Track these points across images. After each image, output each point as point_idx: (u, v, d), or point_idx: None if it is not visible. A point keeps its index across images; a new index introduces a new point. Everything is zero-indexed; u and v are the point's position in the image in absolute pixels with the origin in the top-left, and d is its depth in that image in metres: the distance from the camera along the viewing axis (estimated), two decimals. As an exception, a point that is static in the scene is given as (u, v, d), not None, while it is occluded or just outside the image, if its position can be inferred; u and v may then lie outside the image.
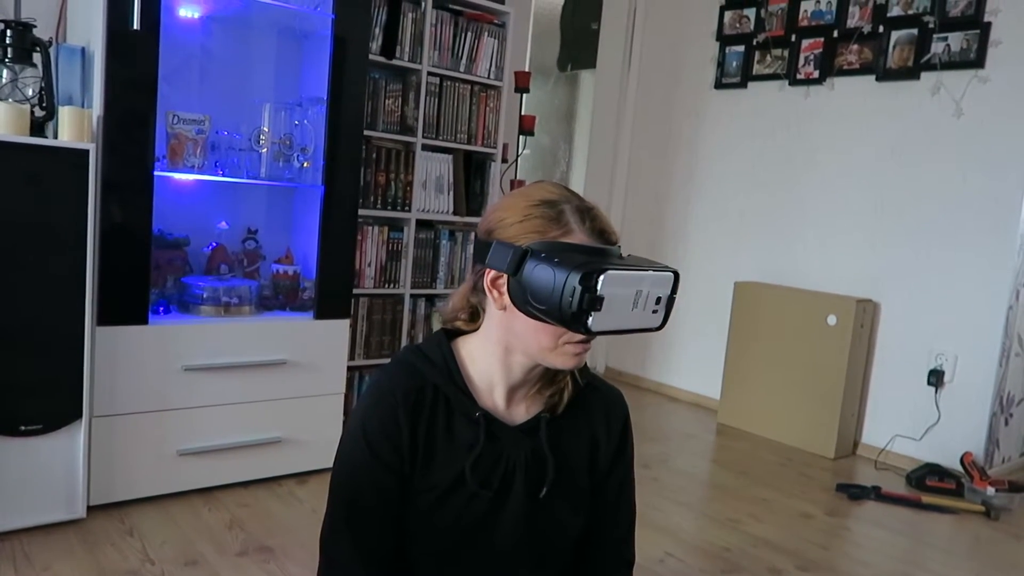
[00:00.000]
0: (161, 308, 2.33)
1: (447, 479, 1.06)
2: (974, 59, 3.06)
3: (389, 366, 1.11)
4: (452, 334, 1.14)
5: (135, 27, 2.06)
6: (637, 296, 0.95)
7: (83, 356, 2.02)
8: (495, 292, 1.02)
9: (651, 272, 0.97)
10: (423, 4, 3.00)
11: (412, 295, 3.15)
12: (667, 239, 4.20)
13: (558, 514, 1.11)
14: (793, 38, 3.61)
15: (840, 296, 3.36)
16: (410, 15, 2.97)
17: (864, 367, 3.38)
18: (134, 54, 2.08)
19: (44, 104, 2.12)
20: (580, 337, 0.99)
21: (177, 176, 2.38)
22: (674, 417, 3.82)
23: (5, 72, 2.08)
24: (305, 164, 2.55)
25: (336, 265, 2.56)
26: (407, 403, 1.05)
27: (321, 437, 2.55)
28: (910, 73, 3.23)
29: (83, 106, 2.17)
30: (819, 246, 3.56)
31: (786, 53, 3.64)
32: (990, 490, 2.82)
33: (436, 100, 3.11)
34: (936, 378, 3.16)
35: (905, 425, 3.27)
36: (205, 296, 2.37)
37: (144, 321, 2.19)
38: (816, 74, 3.54)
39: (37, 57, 2.11)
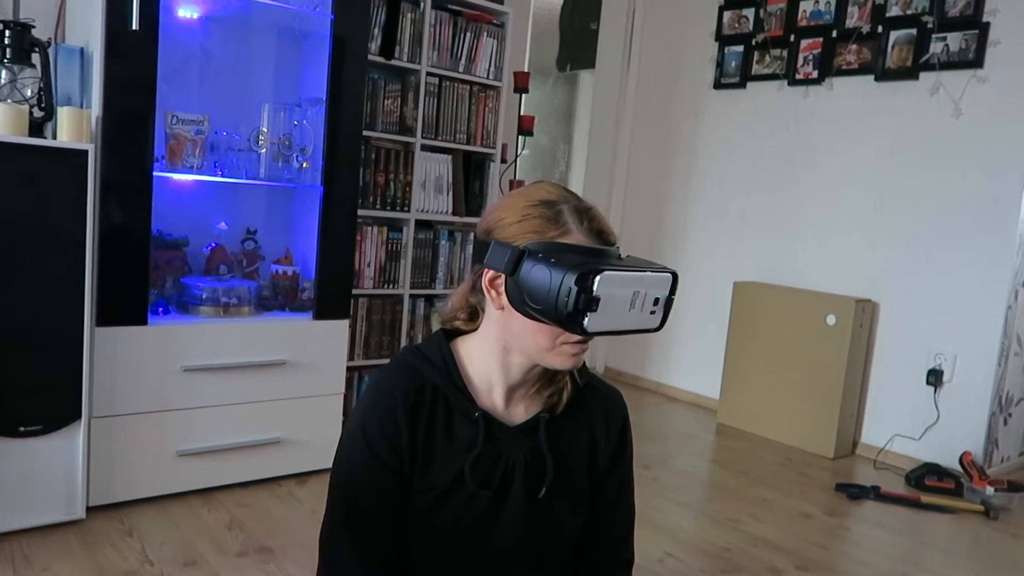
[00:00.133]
0: (160, 309, 2.33)
1: (446, 479, 1.06)
2: (973, 59, 3.06)
3: (388, 366, 1.11)
4: (451, 334, 1.14)
5: (134, 27, 2.06)
6: (634, 297, 0.95)
7: (82, 357, 2.02)
8: (493, 292, 1.02)
9: (648, 273, 0.97)
10: (422, 4, 3.00)
11: (411, 295, 3.15)
12: (666, 239, 4.20)
13: (557, 514, 1.11)
14: (792, 38, 3.62)
15: (839, 296, 3.36)
16: (409, 15, 2.97)
17: (863, 367, 3.38)
18: (133, 54, 2.08)
19: (43, 104, 2.11)
20: (577, 337, 0.99)
21: (176, 176, 2.38)
22: (673, 417, 3.82)
23: (4, 72, 2.08)
24: (304, 164, 2.55)
25: (335, 265, 2.55)
26: (406, 403, 1.05)
27: (320, 437, 2.55)
28: (909, 73, 3.24)
29: (82, 106, 2.17)
30: (818, 246, 3.56)
31: (785, 53, 3.65)
32: (989, 490, 2.82)
33: (435, 100, 3.11)
34: (935, 378, 3.17)
35: (904, 425, 3.27)
36: (204, 297, 2.37)
37: (143, 322, 2.19)
38: (815, 74, 3.54)
39: (36, 57, 2.11)
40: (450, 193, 3.22)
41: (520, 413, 1.11)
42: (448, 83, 3.14)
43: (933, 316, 3.20)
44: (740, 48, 3.83)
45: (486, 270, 1.02)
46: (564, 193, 1.03)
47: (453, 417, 1.07)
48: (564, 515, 1.13)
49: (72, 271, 1.98)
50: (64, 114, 1.98)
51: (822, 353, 3.32)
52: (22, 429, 1.97)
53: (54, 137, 2.06)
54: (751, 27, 3.78)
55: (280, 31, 2.69)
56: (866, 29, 3.36)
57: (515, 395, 1.11)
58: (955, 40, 3.11)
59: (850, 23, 3.42)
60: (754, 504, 2.72)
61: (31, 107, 2.07)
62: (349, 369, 2.80)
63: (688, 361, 4.09)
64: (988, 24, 3.02)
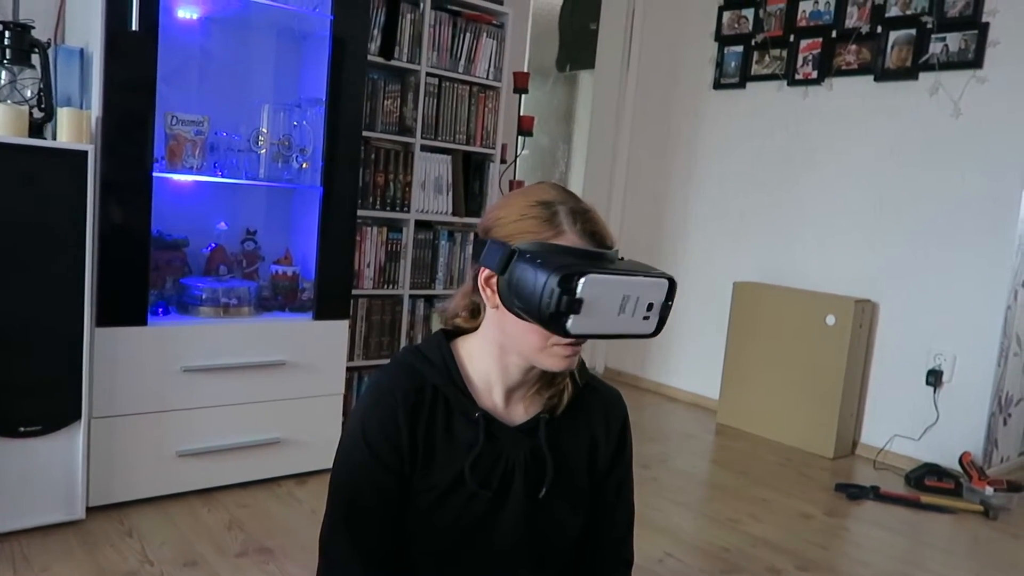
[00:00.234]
0: (160, 309, 2.33)
1: (446, 479, 1.06)
2: (972, 59, 3.06)
3: (388, 367, 1.12)
4: (452, 334, 1.14)
5: (134, 28, 2.06)
6: (624, 301, 0.94)
7: (82, 357, 2.02)
8: (488, 291, 1.03)
9: (640, 278, 0.95)
10: (422, 5, 3.00)
11: (411, 296, 3.15)
12: (666, 239, 4.20)
13: (557, 514, 1.12)
14: (791, 38, 3.62)
15: (839, 296, 3.36)
16: (409, 16, 2.98)
17: (863, 367, 3.38)
18: (133, 55, 2.08)
19: (43, 105, 2.11)
20: (568, 339, 0.99)
21: (176, 177, 2.38)
22: (673, 417, 3.82)
23: (4, 73, 2.08)
24: (304, 165, 2.55)
25: (335, 266, 2.56)
26: (407, 404, 1.05)
27: (320, 438, 2.55)
28: (908, 73, 3.24)
29: (82, 107, 2.17)
30: (818, 246, 3.56)
31: (784, 53, 3.65)
32: (989, 490, 2.83)
33: (435, 101, 3.11)
34: (935, 378, 3.17)
35: (904, 425, 3.28)
36: (204, 297, 2.37)
37: (143, 322, 2.19)
38: (814, 74, 3.54)
39: (36, 58, 2.11)
40: (450, 193, 3.22)
41: (520, 413, 1.11)
42: (448, 83, 3.14)
43: (933, 316, 3.20)
44: (740, 48, 3.83)
45: (482, 268, 1.02)
46: (564, 194, 1.03)
47: (453, 417, 1.08)
48: (564, 515, 1.13)
49: (72, 272, 1.98)
50: (64, 115, 1.98)
51: (822, 353, 3.32)
52: (22, 429, 1.97)
53: (54, 138, 2.06)
54: (751, 27, 3.78)
55: (280, 32, 2.69)
56: (865, 29, 3.36)
57: (514, 395, 1.11)
58: (954, 40, 3.11)
59: (849, 23, 3.42)
60: (754, 504, 2.72)
61: (31, 108, 2.07)
62: (349, 369, 2.80)
63: (688, 361, 4.10)
64: (987, 24, 3.02)
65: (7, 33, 2.06)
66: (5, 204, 1.87)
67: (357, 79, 2.52)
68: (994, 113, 3.02)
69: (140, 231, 2.15)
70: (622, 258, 1.02)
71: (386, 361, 1.15)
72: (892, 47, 3.29)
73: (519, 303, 0.96)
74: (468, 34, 3.17)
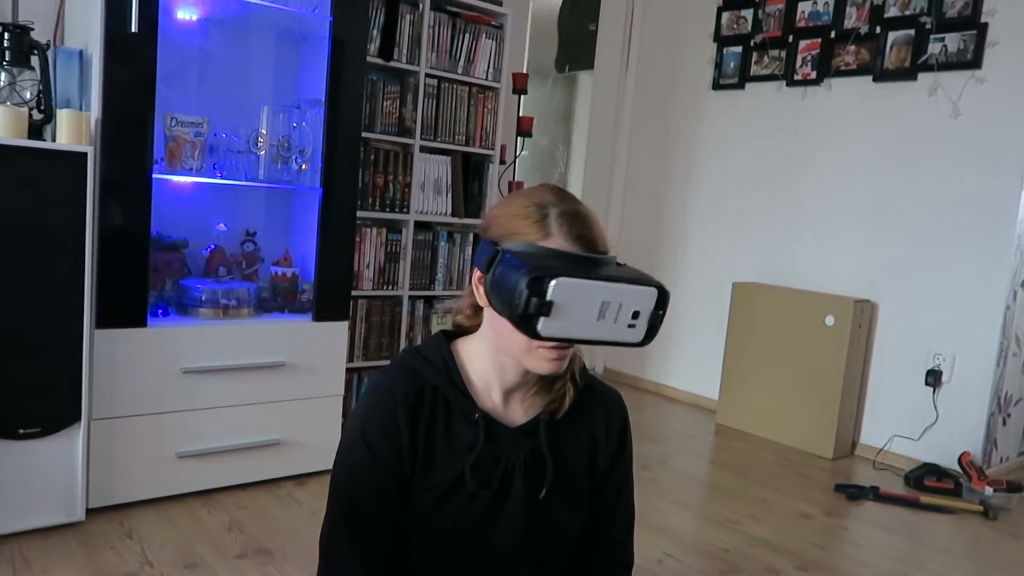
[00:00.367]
0: (160, 310, 2.33)
1: (447, 480, 1.06)
2: (971, 59, 3.06)
3: (388, 368, 1.12)
4: (452, 335, 1.14)
5: (133, 29, 2.06)
6: (604, 307, 0.92)
7: (82, 359, 2.02)
8: (479, 290, 1.03)
9: (621, 285, 0.93)
10: (421, 6, 3.00)
11: (411, 297, 3.15)
12: (665, 240, 4.20)
13: (557, 515, 1.12)
14: (790, 39, 3.62)
15: (838, 296, 3.37)
16: (408, 17, 2.98)
17: (862, 367, 3.38)
18: (132, 57, 2.08)
19: (42, 107, 2.12)
20: (552, 342, 0.98)
21: (175, 178, 2.38)
22: (673, 418, 3.82)
23: (3, 75, 2.08)
24: (303, 166, 2.55)
25: (335, 267, 2.56)
26: (407, 404, 1.05)
27: (320, 439, 2.55)
28: (907, 74, 3.24)
29: (81, 109, 2.18)
30: (817, 246, 3.56)
31: (783, 54, 3.65)
32: (988, 490, 2.83)
33: (434, 102, 3.12)
34: (934, 378, 3.17)
35: (903, 425, 3.28)
36: (204, 298, 2.37)
37: (143, 323, 2.19)
38: (813, 75, 3.54)
39: (35, 60, 2.11)
40: (449, 194, 3.22)
41: (519, 415, 1.11)
42: (447, 84, 3.14)
43: (932, 316, 3.20)
44: (739, 49, 3.83)
45: (476, 267, 1.03)
46: (561, 197, 1.02)
47: (453, 418, 1.08)
48: (564, 516, 1.13)
49: (72, 273, 1.98)
50: (63, 116, 1.98)
51: (821, 354, 3.32)
52: (21, 431, 1.97)
53: (53, 139, 2.06)
54: (749, 28, 3.79)
55: (279, 33, 2.69)
56: (864, 30, 3.37)
57: (513, 397, 1.11)
58: (953, 41, 3.11)
59: (848, 24, 3.42)
60: (753, 505, 2.72)
61: (30, 109, 2.07)
62: (348, 371, 2.80)
63: (687, 362, 4.10)
64: (986, 25, 3.03)
65: (6, 35, 2.07)
66: (5, 206, 1.87)
67: (356, 80, 2.52)
68: (993, 113, 3.03)
69: (140, 232, 2.15)
70: (622, 264, 1.01)
71: (386, 362, 1.15)
72: (891, 47, 3.29)
73: (499, 303, 0.96)
74: (467, 35, 3.17)
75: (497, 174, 3.36)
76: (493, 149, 3.33)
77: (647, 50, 4.29)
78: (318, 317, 2.53)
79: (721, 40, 3.91)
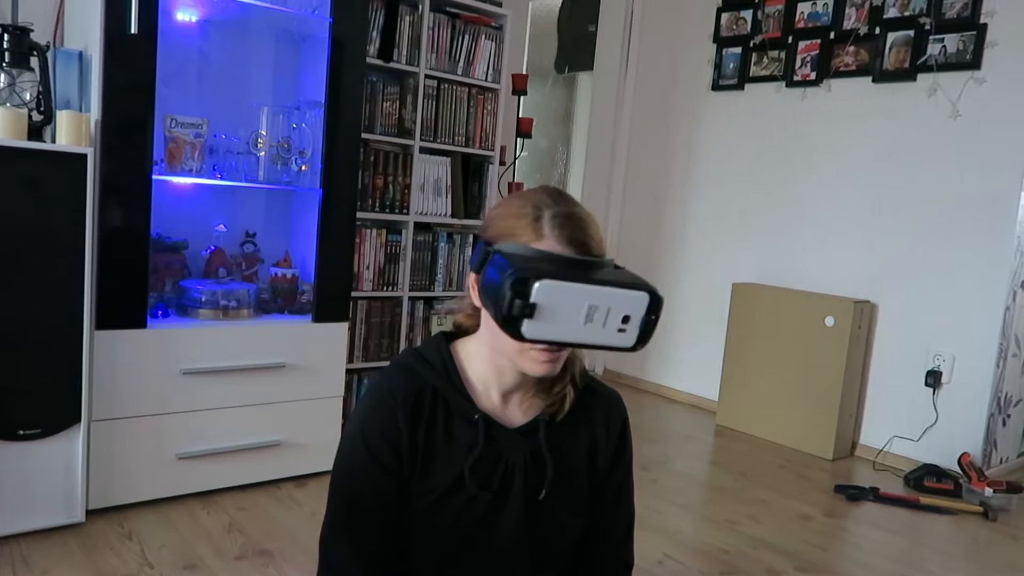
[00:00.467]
0: (159, 312, 2.33)
1: (446, 481, 1.06)
2: (970, 60, 3.06)
3: (388, 369, 1.12)
4: (452, 336, 1.14)
5: (133, 31, 2.06)
6: (591, 311, 0.91)
7: (82, 360, 2.02)
8: (474, 291, 1.03)
9: (608, 289, 0.91)
10: (420, 7, 3.00)
11: (410, 298, 3.15)
12: (665, 241, 4.21)
13: (557, 516, 1.12)
14: (790, 40, 3.62)
15: (838, 297, 3.37)
16: (408, 18, 2.98)
17: (862, 368, 3.38)
18: (132, 58, 2.08)
19: (42, 108, 2.12)
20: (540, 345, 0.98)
21: (175, 180, 2.38)
22: (673, 419, 3.82)
23: (2, 76, 2.08)
24: (303, 167, 2.56)
25: (334, 268, 2.56)
26: (406, 406, 1.05)
27: (320, 440, 2.55)
28: (907, 74, 3.24)
29: (81, 110, 2.18)
30: (817, 247, 3.56)
31: (783, 55, 3.65)
32: (988, 491, 2.83)
33: (434, 103, 3.12)
34: (934, 379, 3.17)
35: (903, 426, 3.28)
36: (203, 299, 2.37)
37: (143, 325, 2.19)
38: (813, 76, 3.54)
39: (35, 61, 2.11)
40: (449, 195, 3.23)
41: (518, 416, 1.11)
42: (447, 85, 3.14)
43: (932, 317, 3.20)
44: (738, 50, 3.83)
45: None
46: (557, 199, 1.01)
47: (453, 419, 1.08)
48: (564, 517, 1.13)
49: (72, 274, 1.98)
50: (63, 118, 1.98)
51: (821, 354, 3.32)
52: (21, 432, 1.97)
53: (53, 141, 2.06)
54: (749, 29, 3.79)
55: (279, 34, 2.70)
56: (864, 31, 3.37)
57: (511, 398, 1.11)
58: (952, 41, 3.11)
59: (848, 25, 3.43)
60: (753, 506, 2.72)
61: (30, 111, 2.07)
62: (348, 372, 2.80)
63: (687, 363, 4.10)
64: (985, 25, 3.03)
65: (6, 36, 2.07)
66: (4, 207, 1.87)
67: (356, 81, 2.52)
68: (992, 114, 3.03)
69: (139, 234, 2.15)
70: (620, 267, 1.00)
71: (386, 363, 1.15)
72: (890, 48, 3.29)
73: (488, 304, 0.96)
74: (467, 36, 3.17)
75: (497, 175, 3.36)
76: (493, 150, 3.33)
77: (646, 51, 4.30)
78: (318, 318, 2.53)
79: (720, 41, 3.91)
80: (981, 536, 2.63)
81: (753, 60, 3.78)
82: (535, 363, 1.01)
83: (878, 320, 3.36)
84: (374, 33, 2.89)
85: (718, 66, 3.92)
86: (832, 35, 3.48)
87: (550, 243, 0.97)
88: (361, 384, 3.02)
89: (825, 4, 3.49)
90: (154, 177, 2.17)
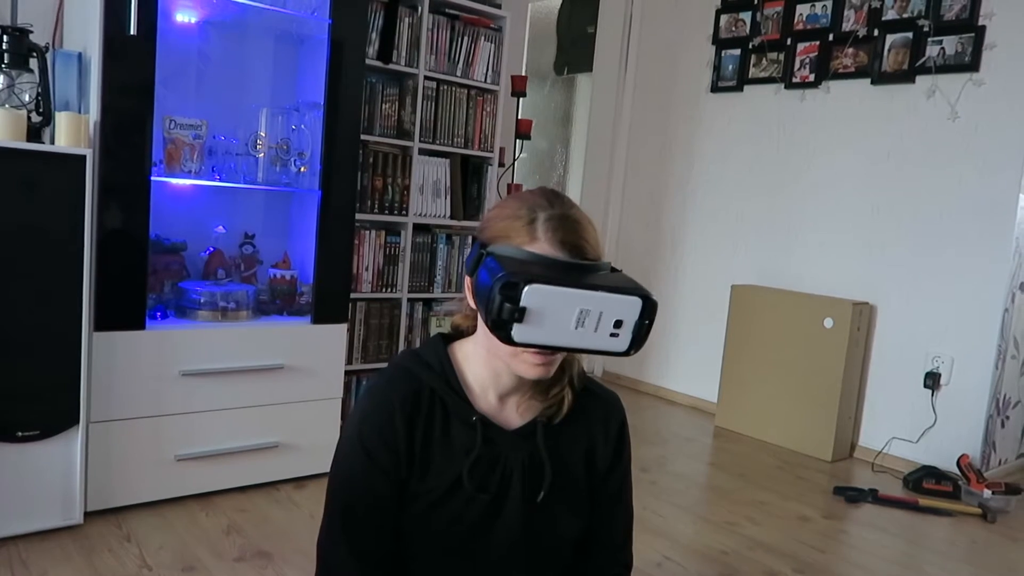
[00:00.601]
0: (158, 313, 2.33)
1: (444, 483, 1.06)
2: (969, 62, 3.07)
3: (386, 371, 1.12)
4: (450, 338, 1.14)
5: (132, 32, 2.06)
6: (583, 315, 0.90)
7: (80, 361, 2.02)
8: (470, 292, 1.03)
9: (600, 293, 0.90)
10: (420, 9, 3.01)
11: (409, 299, 3.15)
12: (664, 242, 4.21)
13: (555, 518, 1.12)
14: (789, 42, 3.63)
15: (837, 299, 3.37)
16: (407, 20, 2.98)
17: (861, 370, 3.38)
18: (131, 59, 2.08)
19: (41, 109, 2.12)
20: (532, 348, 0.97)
21: (174, 181, 2.38)
22: (672, 420, 3.82)
23: (1, 77, 2.08)
24: (302, 169, 2.56)
25: (333, 269, 2.56)
26: (404, 408, 1.05)
27: (319, 442, 2.55)
28: (905, 76, 3.25)
29: (80, 111, 2.18)
30: (816, 249, 3.56)
31: (782, 57, 3.66)
32: (987, 492, 2.83)
33: (433, 104, 3.12)
34: (932, 381, 3.17)
35: (902, 428, 3.28)
36: (202, 301, 2.37)
37: (141, 326, 2.19)
38: (812, 77, 3.55)
39: (34, 62, 2.11)
40: (448, 197, 3.23)
41: (516, 418, 1.11)
42: (446, 87, 3.15)
43: (930, 319, 3.20)
44: (737, 51, 3.84)
45: None
46: (554, 201, 1.01)
47: (451, 421, 1.08)
48: (562, 519, 1.13)
49: (70, 276, 1.98)
50: (62, 119, 1.98)
51: (820, 356, 3.32)
52: (20, 434, 1.96)
53: (52, 142, 2.06)
54: (748, 31, 3.79)
55: (278, 35, 2.70)
56: (862, 33, 3.37)
57: (509, 400, 1.11)
58: (951, 44, 3.12)
59: (846, 27, 3.43)
60: (752, 507, 2.72)
61: (29, 112, 2.07)
62: (347, 373, 2.80)
63: (686, 365, 4.10)
64: (984, 27, 3.03)
65: (5, 37, 2.07)
66: (3, 208, 1.87)
67: (355, 83, 2.52)
68: (991, 116, 3.03)
69: (138, 235, 2.15)
70: (617, 270, 0.99)
71: (385, 365, 1.15)
72: (889, 50, 3.30)
73: (479, 307, 0.95)
74: (466, 38, 3.17)
75: (496, 176, 3.36)
76: (492, 151, 3.33)
77: (646, 53, 4.30)
78: (317, 319, 2.53)
79: (719, 43, 3.92)
80: (980, 538, 2.63)
81: (752, 62, 3.78)
82: (528, 366, 1.01)
83: (877, 322, 3.36)
84: (373, 34, 2.89)
85: (717, 68, 3.93)
86: (831, 37, 3.48)
87: (544, 246, 0.96)
88: (360, 385, 3.02)
89: (824, 6, 3.50)
90: (153, 178, 2.17)
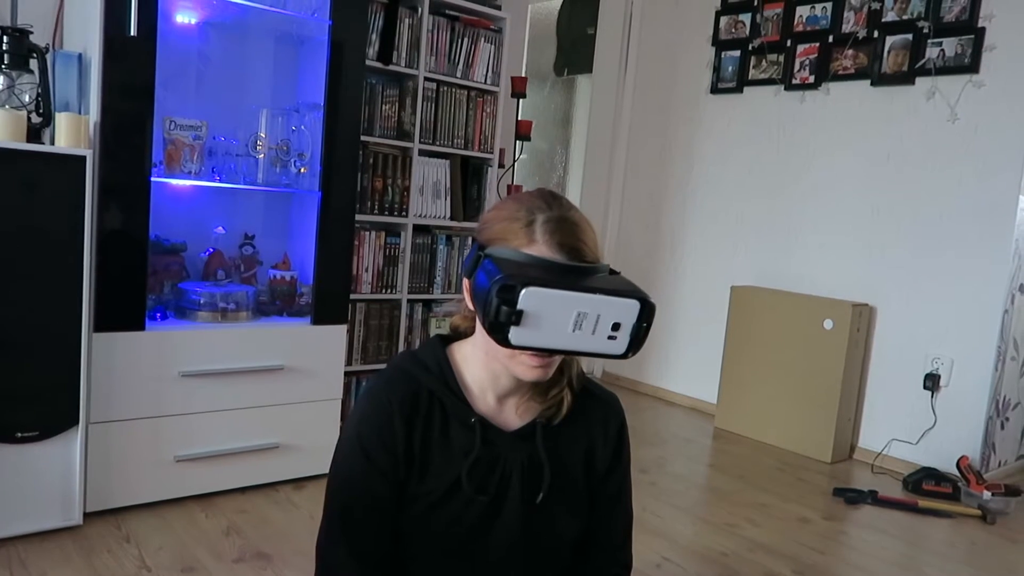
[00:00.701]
0: (158, 314, 2.33)
1: (443, 485, 1.06)
2: (968, 64, 3.07)
3: (385, 373, 1.12)
4: (449, 339, 1.14)
5: (132, 33, 2.06)
6: (580, 318, 0.90)
7: (80, 362, 2.02)
8: (468, 294, 1.03)
9: (597, 296, 0.90)
10: (420, 10, 3.01)
11: (409, 300, 3.15)
12: (664, 243, 4.21)
13: (555, 519, 1.12)
14: (788, 43, 3.63)
15: (836, 300, 3.37)
16: (407, 21, 2.98)
17: (860, 371, 3.38)
18: (131, 60, 2.08)
19: (41, 110, 2.12)
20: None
21: (174, 182, 2.38)
22: (671, 421, 3.82)
23: (2, 78, 2.08)
24: (302, 170, 2.56)
25: (333, 270, 2.56)
26: (403, 410, 1.05)
27: (318, 443, 2.54)
28: (905, 78, 3.25)
29: (80, 112, 2.18)
30: (815, 250, 3.57)
31: (781, 58, 3.66)
32: (986, 494, 2.83)
33: (433, 105, 3.12)
34: (932, 382, 3.17)
35: (901, 429, 3.28)
36: (202, 302, 2.37)
37: (141, 327, 2.19)
38: (811, 79, 3.55)
39: (34, 63, 2.11)
40: (448, 198, 3.23)
41: (515, 420, 1.11)
42: (446, 88, 3.15)
43: (930, 320, 3.20)
44: (737, 53, 3.84)
45: None
46: (552, 203, 1.00)
47: (450, 423, 1.08)
48: (561, 520, 1.13)
49: (70, 276, 1.98)
50: (62, 120, 1.98)
51: (819, 357, 3.33)
52: (19, 435, 1.96)
53: (52, 143, 2.06)
54: (748, 32, 3.80)
55: (278, 36, 2.70)
56: (862, 34, 3.37)
57: (507, 402, 1.11)
58: (951, 45, 3.12)
59: (846, 28, 3.43)
60: (752, 508, 2.72)
61: (29, 113, 2.07)
62: (347, 374, 2.80)
63: (686, 366, 4.10)
64: (983, 29, 3.03)
65: (5, 38, 2.07)
66: (3, 209, 1.87)
67: (355, 84, 2.52)
68: (990, 117, 3.03)
69: (138, 236, 2.15)
70: (616, 272, 0.99)
71: (384, 366, 1.15)
72: (889, 52, 3.30)
73: (477, 309, 0.95)
74: (466, 39, 3.18)
75: (496, 178, 3.36)
76: (492, 153, 3.33)
77: (645, 54, 4.30)
78: (317, 320, 2.53)
79: (719, 44, 3.92)
80: (979, 539, 2.63)
81: (752, 63, 3.78)
82: (526, 368, 1.01)
83: (877, 323, 3.36)
84: (373, 35, 2.89)
85: (717, 69, 3.93)
86: (831, 39, 3.48)
87: (541, 248, 0.96)
88: (359, 386, 3.02)
89: (824, 8, 3.50)
90: (153, 179, 2.17)
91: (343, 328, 2.61)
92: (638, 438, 3.36)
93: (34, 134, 2.09)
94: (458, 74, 3.18)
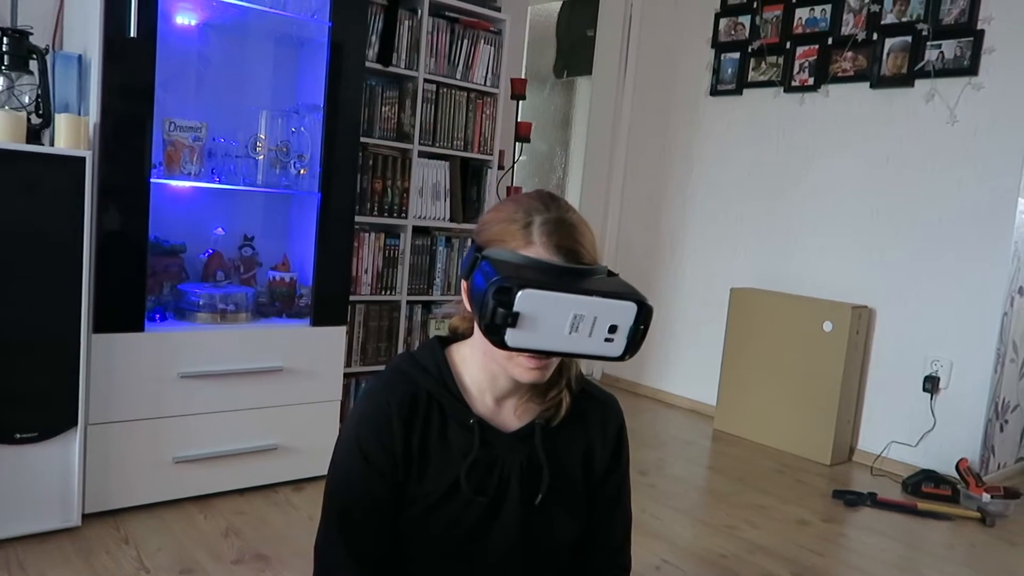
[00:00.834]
0: (157, 315, 2.33)
1: (442, 486, 1.06)
2: (968, 66, 3.07)
3: (383, 374, 1.12)
4: (448, 341, 1.14)
5: (132, 34, 2.06)
6: (577, 320, 0.90)
7: (79, 363, 2.02)
8: (466, 295, 1.03)
9: (594, 298, 0.90)
10: (419, 12, 3.01)
11: (408, 302, 3.15)
12: (663, 245, 4.21)
13: (553, 521, 1.12)
14: (788, 45, 3.63)
15: (836, 302, 3.37)
16: (407, 22, 2.98)
17: (860, 373, 3.38)
18: (131, 61, 2.09)
19: (40, 111, 2.12)
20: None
21: (173, 183, 2.38)
22: (670, 423, 3.82)
23: (1, 79, 2.08)
24: (302, 171, 2.56)
25: (333, 272, 2.56)
26: (401, 412, 1.05)
27: (317, 444, 2.54)
28: (904, 80, 3.25)
29: (79, 113, 2.18)
30: (815, 252, 3.57)
31: (781, 60, 3.66)
32: (985, 496, 2.83)
33: (432, 107, 3.12)
34: (931, 384, 3.17)
35: (901, 431, 3.28)
36: (201, 303, 2.37)
37: (140, 328, 2.19)
38: (811, 81, 3.55)
39: (34, 64, 2.11)
40: (447, 199, 3.23)
41: (514, 421, 1.11)
42: (445, 90, 3.15)
43: (929, 322, 3.20)
44: (736, 55, 3.84)
45: None
46: (551, 205, 1.00)
47: (448, 424, 1.08)
48: (560, 521, 1.13)
49: (69, 278, 1.98)
50: (62, 121, 1.98)
51: (819, 360, 3.33)
52: (18, 436, 1.96)
53: (52, 144, 2.06)
54: (747, 34, 3.80)
55: (278, 38, 2.70)
56: (861, 36, 3.38)
57: (506, 403, 1.11)
58: (950, 47, 3.12)
59: (845, 30, 3.43)
60: (751, 511, 2.72)
61: (29, 114, 2.07)
62: (346, 376, 2.80)
63: (685, 368, 4.10)
64: (983, 32, 3.04)
65: (5, 39, 2.07)
66: (3, 210, 1.87)
67: (355, 85, 2.52)
68: (990, 120, 3.04)
69: (137, 237, 2.15)
70: (614, 274, 0.99)
71: (383, 367, 1.15)
72: (888, 54, 3.30)
73: (474, 310, 0.95)
74: (466, 41, 3.18)
75: (495, 179, 3.37)
76: (491, 154, 3.34)
77: (645, 56, 4.31)
78: (316, 322, 2.53)
79: (719, 46, 3.92)
80: (979, 542, 2.63)
81: (751, 65, 3.78)
82: (523, 370, 1.01)
83: (876, 325, 3.36)
84: (373, 37, 2.89)
85: (716, 71, 3.93)
86: (830, 41, 3.49)
87: (539, 250, 0.96)
88: (359, 388, 3.02)
89: (823, 10, 3.50)
90: (152, 180, 2.17)
91: (342, 329, 2.61)
92: (637, 440, 3.36)
93: (34, 135, 2.09)
94: (458, 76, 3.18)
